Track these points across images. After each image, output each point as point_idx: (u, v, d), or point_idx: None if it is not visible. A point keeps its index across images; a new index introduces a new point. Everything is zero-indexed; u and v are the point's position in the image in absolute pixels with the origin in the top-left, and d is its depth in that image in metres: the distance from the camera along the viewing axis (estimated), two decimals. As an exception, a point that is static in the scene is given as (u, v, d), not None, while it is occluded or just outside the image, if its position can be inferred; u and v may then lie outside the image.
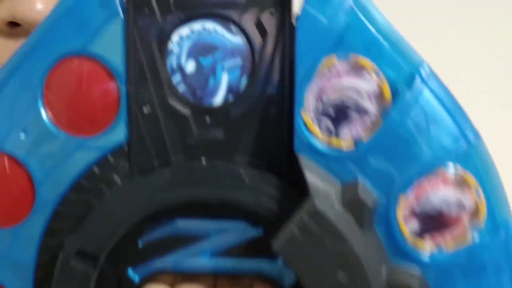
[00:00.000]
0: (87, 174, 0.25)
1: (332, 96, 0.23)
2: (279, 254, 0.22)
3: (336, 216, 0.22)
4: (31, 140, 0.25)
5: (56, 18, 0.25)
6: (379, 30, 0.22)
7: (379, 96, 0.23)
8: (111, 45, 0.24)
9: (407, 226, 0.23)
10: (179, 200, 0.24)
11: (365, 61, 0.22)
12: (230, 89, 0.24)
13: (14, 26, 0.32)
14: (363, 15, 0.22)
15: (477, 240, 0.23)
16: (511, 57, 0.74)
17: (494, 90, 0.74)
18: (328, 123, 0.23)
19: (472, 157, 0.23)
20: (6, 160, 0.25)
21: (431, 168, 0.23)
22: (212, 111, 0.25)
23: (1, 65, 0.30)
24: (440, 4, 0.74)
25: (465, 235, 0.23)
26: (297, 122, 0.23)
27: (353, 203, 0.22)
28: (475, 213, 0.23)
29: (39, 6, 0.31)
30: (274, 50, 0.24)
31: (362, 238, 0.22)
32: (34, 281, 0.26)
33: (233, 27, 0.24)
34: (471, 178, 0.23)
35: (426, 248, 0.23)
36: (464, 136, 0.23)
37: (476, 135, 0.23)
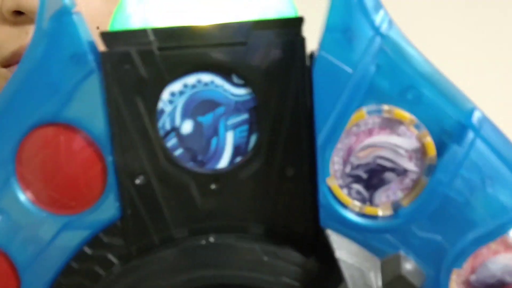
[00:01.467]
0: (78, 256, 0.22)
1: (363, 157, 0.19)
2: None
3: (378, 304, 0.18)
4: (9, 224, 0.22)
5: (23, 79, 0.20)
6: (417, 72, 0.18)
7: (421, 153, 0.18)
8: (89, 108, 0.20)
9: (462, 302, 0.19)
10: (189, 286, 0.20)
11: (402, 112, 0.18)
12: (237, 150, 0.20)
13: (19, 15, 0.34)
14: (396, 56, 0.18)
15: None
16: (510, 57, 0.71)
17: (494, 90, 0.72)
18: (360, 188, 0.19)
19: (539, 217, 0.19)
20: (-18, 248, 0.22)
21: (490, 237, 0.19)
22: (218, 177, 0.20)
23: (9, 53, 0.34)
24: (441, 4, 0.71)
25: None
26: (322, 191, 0.19)
27: (396, 283, 0.18)
28: (543, 282, 0.19)
29: None
30: (286, 100, 0.19)
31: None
32: None
33: (235, 78, 0.20)
34: (538, 243, 0.19)
35: (487, 327, 0.19)
36: (529, 193, 0.19)
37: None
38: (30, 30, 0.35)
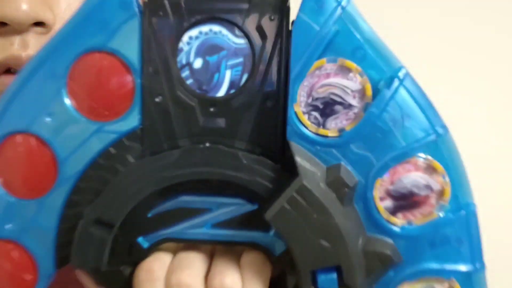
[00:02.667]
0: (104, 154, 0.29)
1: (321, 93, 0.26)
2: (271, 224, 0.26)
3: (320, 192, 0.26)
4: (56, 124, 0.29)
5: (80, 17, 0.28)
6: (364, 38, 0.26)
7: (362, 94, 0.26)
8: (128, 42, 0.28)
9: (382, 204, 0.27)
10: (185, 178, 0.28)
11: (351, 63, 0.26)
12: (232, 84, 0.28)
13: (3, 26, 0.34)
14: (351, 24, 0.26)
15: (442, 216, 0.27)
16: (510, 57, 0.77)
17: (494, 90, 0.78)
18: (317, 115, 0.27)
19: (440, 147, 0.27)
20: (33, 140, 0.29)
21: (405, 156, 0.26)
22: (216, 102, 0.28)
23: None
24: (443, 4, 0.76)
25: (431, 212, 0.27)
26: (290, 114, 0.27)
27: (336, 183, 0.26)
28: (441, 194, 0.27)
29: (24, 6, 0.34)
30: (272, 51, 0.27)
31: (342, 212, 0.26)
32: (55, 247, 0.30)
33: (237, 31, 0.27)
34: (438, 165, 0.27)
35: (398, 222, 0.27)
36: (434, 129, 0.26)
37: (445, 128, 0.27)
38: (15, 40, 0.35)
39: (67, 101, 0.28)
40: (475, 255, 0.27)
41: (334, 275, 0.27)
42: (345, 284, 0.27)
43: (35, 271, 0.30)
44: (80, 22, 0.28)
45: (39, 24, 0.35)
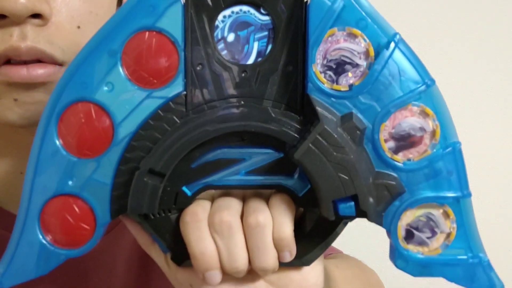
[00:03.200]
0: (154, 116, 0.34)
1: (333, 55, 0.33)
2: (298, 162, 0.32)
3: (338, 134, 0.32)
4: (113, 92, 0.34)
5: (133, 2, 0.34)
6: (365, 11, 0.33)
7: (366, 55, 0.33)
8: (173, 22, 0.34)
9: (387, 145, 0.33)
10: (225, 131, 0.33)
11: (357, 31, 0.33)
12: (259, 53, 0.34)
13: (1, 18, 0.36)
14: (354, 0, 0.33)
15: (434, 152, 0.33)
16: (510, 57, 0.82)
17: (494, 90, 0.84)
18: (331, 74, 0.33)
19: (430, 95, 0.33)
20: (92, 106, 0.34)
21: (402, 104, 0.33)
22: (246, 69, 0.34)
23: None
24: (443, 4, 0.82)
25: (426, 150, 0.33)
26: (310, 73, 0.33)
27: (349, 127, 0.32)
28: (433, 134, 0.33)
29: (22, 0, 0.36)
30: (291, 25, 0.34)
31: (356, 151, 0.32)
32: (110, 199, 0.35)
33: (262, 10, 0.34)
34: (429, 110, 0.33)
35: (400, 159, 0.33)
36: (424, 81, 0.33)
37: (432, 80, 0.33)
38: (14, 32, 0.37)
39: (122, 72, 0.34)
40: (462, 184, 0.34)
41: (352, 203, 0.32)
42: (360, 209, 0.32)
43: (94, 221, 0.35)
44: (133, 6, 0.34)
45: (36, 16, 0.37)
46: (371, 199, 0.33)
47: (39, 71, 0.38)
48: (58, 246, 0.35)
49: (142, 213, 0.35)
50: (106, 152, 0.35)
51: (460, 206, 0.34)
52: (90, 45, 0.34)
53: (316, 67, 0.33)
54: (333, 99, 0.33)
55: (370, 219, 0.33)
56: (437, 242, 0.34)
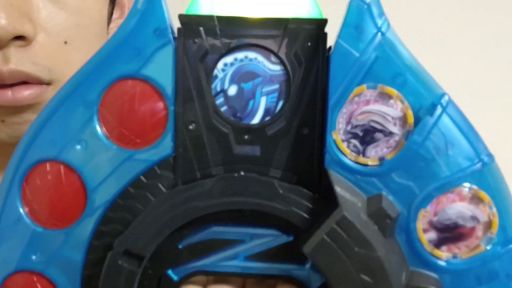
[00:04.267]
0: (135, 183, 0.28)
1: (360, 120, 0.26)
2: (309, 257, 0.25)
3: (361, 224, 0.25)
4: (86, 152, 0.28)
5: (114, 44, 0.27)
6: (404, 64, 0.25)
7: (403, 121, 0.25)
8: (162, 69, 0.27)
9: (426, 236, 0.26)
10: (219, 208, 0.27)
11: (392, 90, 0.25)
12: (267, 111, 0.27)
13: None
14: (390, 50, 0.25)
15: (489, 249, 0.25)
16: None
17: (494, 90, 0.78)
18: (356, 143, 0.26)
19: (486, 176, 0.25)
20: (62, 168, 0.28)
21: (449, 187, 0.25)
22: (250, 130, 0.27)
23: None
24: (443, 4, 0.77)
25: (478, 245, 0.26)
26: (329, 142, 0.26)
27: (377, 214, 0.25)
28: (488, 225, 0.26)
29: (2, 22, 0.34)
30: (309, 78, 0.27)
31: (384, 245, 0.25)
32: (81, 279, 0.28)
33: (272, 57, 0.27)
34: (484, 195, 0.25)
35: (443, 256, 0.26)
36: (479, 157, 0.25)
37: (490, 156, 0.25)
38: None
39: (99, 128, 0.28)
40: (527, 292, 0.26)
41: None
42: (388, 321, 0.25)
43: (60, 305, 0.29)
44: (114, 49, 0.28)
45: (19, 37, 0.35)
46: (402, 309, 0.25)
47: (24, 93, 0.37)
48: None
49: None
50: (77, 223, 0.28)
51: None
52: (62, 93, 0.28)
53: (338, 135, 0.26)
54: (358, 176, 0.26)
55: None
56: None
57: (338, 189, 0.25)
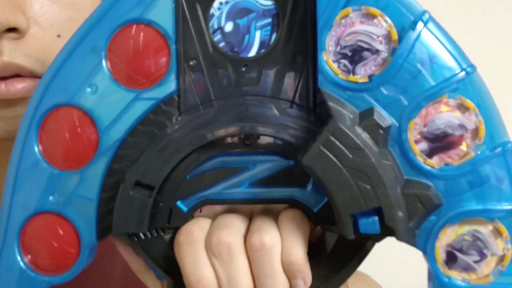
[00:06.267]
0: (143, 121, 0.30)
1: (348, 41, 0.27)
2: (308, 170, 0.27)
3: (355, 134, 0.26)
4: (97, 94, 0.30)
5: (118, -7, 0.30)
6: (385, -15, 0.27)
7: (388, 38, 0.27)
8: (163, 12, 0.29)
9: (418, 147, 0.27)
10: (222, 135, 0.28)
11: (375, 10, 0.27)
12: (262, 44, 0.29)
13: None
14: (372, -27, 0.27)
15: (479, 154, 0.27)
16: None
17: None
18: (346, 63, 0.28)
19: (470, 85, 0.27)
20: (75, 111, 0.30)
21: (435, 96, 0.27)
22: (248, 63, 0.29)
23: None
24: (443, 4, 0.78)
25: (468, 151, 0.27)
26: (320, 63, 0.28)
27: (369, 124, 0.27)
28: (476, 133, 0.27)
29: None
30: (297, 8, 0.29)
31: (378, 153, 0.27)
32: (96, 217, 0.30)
33: (264, -8, 0.29)
34: (470, 103, 0.27)
35: (436, 164, 0.27)
36: (462, 68, 0.27)
37: (472, 66, 0.27)
38: None
39: (107, 71, 0.30)
40: (517, 194, 0.27)
41: (376, 218, 0.26)
42: (386, 225, 0.26)
43: (78, 243, 0.31)
44: (119, -1, 0.30)
45: (12, 29, 0.35)
46: (399, 213, 0.26)
47: (17, 86, 0.36)
48: (39, 271, 0.31)
49: (129, 233, 0.30)
50: (90, 163, 0.30)
51: (516, 222, 0.27)
52: (71, 43, 0.30)
53: (328, 56, 0.28)
54: (349, 92, 0.27)
55: (399, 238, 0.27)
56: (488, 267, 0.27)
57: (331, 104, 0.27)
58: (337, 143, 0.26)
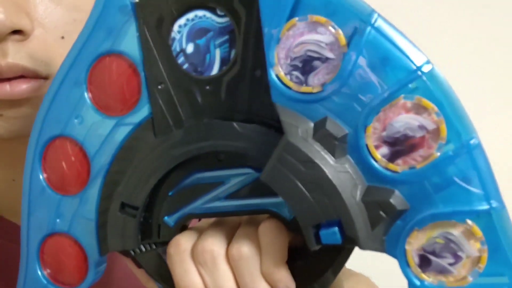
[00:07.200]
0: (125, 145, 0.32)
1: (297, 52, 0.27)
2: (268, 184, 0.27)
3: (308, 147, 0.26)
4: (83, 124, 0.33)
5: (90, 25, 0.32)
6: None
7: (337, 45, 0.27)
8: (129, 42, 0.31)
9: (379, 152, 0.27)
10: (190, 154, 0.30)
11: (320, 18, 0.27)
12: (223, 61, 0.30)
13: None
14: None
15: (441, 155, 0.26)
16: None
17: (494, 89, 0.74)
18: (297, 74, 0.27)
19: (427, 83, 0.26)
20: (67, 142, 0.33)
21: (389, 99, 0.26)
22: (211, 81, 0.30)
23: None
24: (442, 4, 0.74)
25: (431, 153, 0.26)
26: (271, 77, 0.28)
27: (323, 136, 0.26)
28: (436, 132, 0.26)
29: (1, 15, 0.34)
30: (251, 23, 0.29)
31: (333, 165, 0.26)
32: (97, 235, 0.33)
33: (218, 11, 0.29)
34: (427, 102, 0.26)
35: (398, 168, 0.26)
36: (417, 66, 0.26)
37: (429, 63, 0.26)
38: None
39: (90, 102, 0.32)
40: (489, 192, 0.26)
41: (336, 229, 0.26)
42: (347, 236, 0.26)
43: (85, 259, 0.34)
44: (91, 30, 0.32)
45: (16, 31, 0.36)
46: (360, 222, 0.26)
47: (22, 87, 0.37)
48: (57, 284, 0.35)
49: (124, 250, 0.32)
50: (86, 188, 0.33)
51: (492, 221, 0.26)
52: (58, 77, 0.33)
53: (279, 69, 0.28)
54: (302, 104, 0.27)
55: (362, 247, 0.27)
56: (465, 269, 0.26)
57: (283, 118, 0.27)
58: (290, 158, 0.26)
